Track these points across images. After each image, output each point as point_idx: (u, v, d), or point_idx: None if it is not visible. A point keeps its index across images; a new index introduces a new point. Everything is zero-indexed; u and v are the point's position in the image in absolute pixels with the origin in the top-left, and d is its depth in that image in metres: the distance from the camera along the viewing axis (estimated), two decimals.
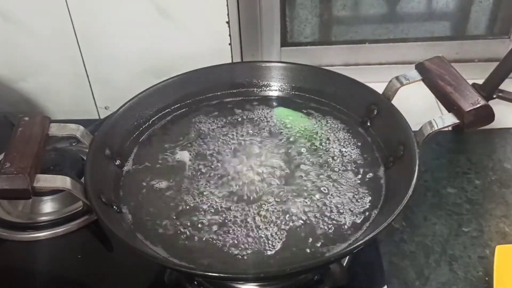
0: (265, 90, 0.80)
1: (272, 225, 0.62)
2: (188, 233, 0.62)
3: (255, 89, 0.80)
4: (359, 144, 0.72)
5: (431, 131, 0.63)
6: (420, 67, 0.69)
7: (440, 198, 0.78)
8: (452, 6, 1.02)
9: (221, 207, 0.64)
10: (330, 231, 0.61)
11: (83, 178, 0.62)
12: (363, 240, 0.56)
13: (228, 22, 0.85)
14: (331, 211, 0.63)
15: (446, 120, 0.63)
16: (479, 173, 0.81)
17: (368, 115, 0.72)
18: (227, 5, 0.83)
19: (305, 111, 0.77)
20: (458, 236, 0.72)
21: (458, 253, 0.70)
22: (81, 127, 0.66)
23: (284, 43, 1.01)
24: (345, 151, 0.71)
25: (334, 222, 0.62)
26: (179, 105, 0.78)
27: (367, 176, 0.67)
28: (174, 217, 0.64)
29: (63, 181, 0.59)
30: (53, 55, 0.89)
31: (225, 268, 0.58)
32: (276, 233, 0.61)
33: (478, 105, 0.62)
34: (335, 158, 0.70)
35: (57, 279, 0.70)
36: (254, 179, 0.67)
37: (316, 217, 0.63)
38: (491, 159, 0.83)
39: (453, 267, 0.69)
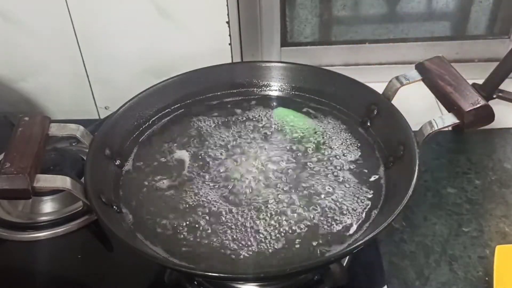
0: (265, 90, 0.80)
1: (272, 225, 0.62)
2: (188, 233, 0.62)
3: (255, 89, 0.80)
4: (359, 144, 0.72)
5: (431, 131, 0.63)
6: (420, 67, 0.69)
7: (440, 198, 0.78)
8: (452, 6, 1.02)
9: (221, 206, 0.64)
10: (330, 231, 0.61)
11: (83, 178, 0.62)
12: (363, 240, 0.56)
13: (228, 22, 0.85)
14: (331, 211, 0.63)
15: (446, 120, 0.63)
16: (479, 173, 0.81)
17: (368, 115, 0.72)
18: (227, 5, 0.83)
19: (305, 111, 0.77)
20: (458, 236, 0.72)
21: (458, 253, 0.70)
22: (81, 127, 0.66)
23: (284, 43, 1.01)
24: (345, 151, 0.71)
25: (334, 222, 0.62)
26: (179, 105, 0.78)
27: (367, 176, 0.67)
28: (174, 217, 0.64)
29: (63, 181, 0.59)
30: (53, 55, 0.89)
31: (225, 268, 0.58)
32: (276, 233, 0.61)
33: (478, 105, 0.62)
34: (335, 158, 0.70)
35: (57, 279, 0.70)
36: (254, 179, 0.67)
37: (316, 217, 0.63)
38: (491, 159, 0.83)
39: (453, 267, 0.69)
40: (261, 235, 0.61)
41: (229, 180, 0.68)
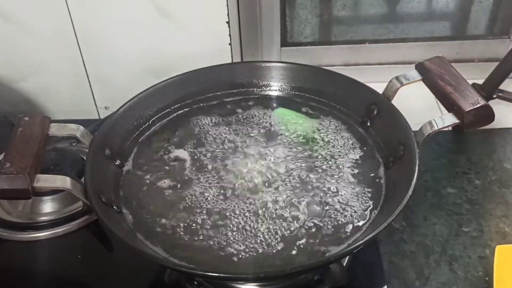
0: (265, 90, 0.80)
1: (272, 225, 0.62)
2: (188, 233, 0.62)
3: (255, 89, 0.80)
4: (359, 144, 0.72)
5: (431, 131, 0.63)
6: (420, 67, 0.69)
7: (440, 198, 0.78)
8: (452, 6, 1.02)
9: (221, 206, 0.64)
10: (330, 231, 0.61)
11: (83, 178, 0.62)
12: (363, 240, 0.56)
13: (228, 22, 0.85)
14: (331, 211, 0.63)
15: (446, 120, 0.63)
16: (479, 173, 0.81)
17: (368, 115, 0.72)
18: (227, 5, 0.83)
19: (305, 111, 0.77)
20: (458, 236, 0.72)
21: (458, 253, 0.70)
22: (81, 127, 0.66)
23: (284, 43, 1.01)
24: (345, 151, 0.71)
25: (334, 222, 0.62)
26: (179, 105, 0.78)
27: (367, 176, 0.67)
28: (174, 217, 0.64)
29: (63, 181, 0.59)
30: (53, 55, 0.89)
31: (225, 268, 0.58)
32: (276, 233, 0.61)
33: (478, 105, 0.62)
34: (335, 158, 0.70)
35: (57, 279, 0.70)
36: (254, 179, 0.67)
37: (316, 217, 0.63)
38: (491, 159, 0.83)
39: (453, 267, 0.69)
40: (261, 235, 0.61)
41: (229, 180, 0.68)
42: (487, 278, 0.67)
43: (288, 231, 0.61)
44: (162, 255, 0.59)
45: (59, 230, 0.73)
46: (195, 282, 0.65)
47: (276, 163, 0.70)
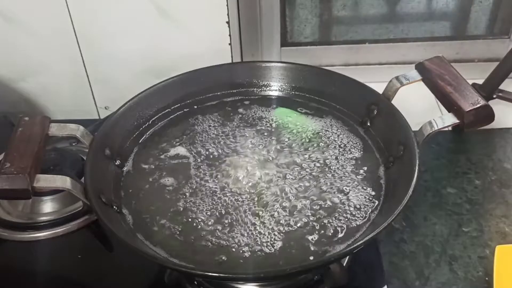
0: (265, 90, 0.80)
1: (272, 225, 0.62)
2: (188, 233, 0.62)
3: (255, 89, 0.80)
4: (359, 144, 0.72)
5: (431, 131, 0.63)
6: (420, 67, 0.69)
7: (440, 198, 0.78)
8: (452, 6, 1.02)
9: (221, 206, 0.64)
10: (330, 231, 0.61)
11: (83, 178, 0.62)
12: (363, 240, 0.56)
13: (228, 22, 0.85)
14: (331, 211, 0.63)
15: (446, 120, 0.63)
16: (479, 173, 0.81)
17: (368, 115, 0.72)
18: (227, 5, 0.83)
19: (305, 111, 0.77)
20: (458, 236, 0.72)
21: (458, 253, 0.70)
22: (81, 127, 0.66)
23: (284, 43, 1.01)
24: (345, 151, 0.71)
25: (333, 222, 0.62)
26: (179, 105, 0.78)
27: (367, 176, 0.67)
28: (174, 217, 0.64)
29: (63, 181, 0.59)
30: (53, 55, 0.89)
31: (225, 268, 0.58)
32: (276, 233, 0.61)
33: (478, 105, 0.62)
34: (335, 158, 0.70)
35: (57, 279, 0.70)
36: (254, 179, 0.67)
37: (316, 217, 0.63)
38: (491, 159, 0.83)
39: (453, 267, 0.69)
40: (261, 235, 0.61)
41: (230, 180, 0.68)
42: (487, 278, 0.67)
43: (288, 231, 0.61)
44: (162, 255, 0.59)
45: (59, 230, 0.73)
46: (195, 282, 0.65)
47: (276, 163, 0.70)
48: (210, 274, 0.56)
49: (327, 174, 0.68)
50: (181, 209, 0.65)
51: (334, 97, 0.76)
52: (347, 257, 0.68)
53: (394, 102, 0.69)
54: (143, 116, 0.74)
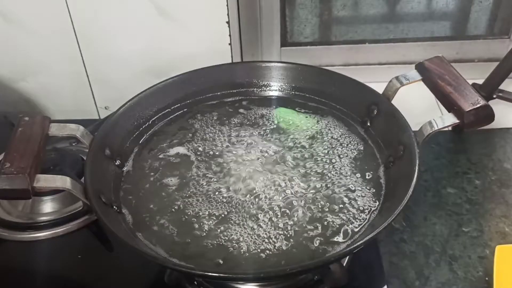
0: (265, 90, 0.80)
1: (272, 225, 0.62)
2: (188, 232, 0.62)
3: (255, 89, 0.80)
4: (359, 144, 0.72)
5: (431, 131, 0.63)
6: (420, 67, 0.69)
7: (440, 198, 0.78)
8: (452, 6, 1.02)
9: (222, 206, 0.64)
10: (330, 231, 0.61)
11: (83, 178, 0.62)
12: (363, 240, 0.55)
13: (228, 22, 0.85)
14: (331, 211, 0.63)
15: (446, 120, 0.63)
16: (479, 173, 0.81)
17: (368, 115, 0.72)
18: (227, 5, 0.83)
19: (305, 111, 0.77)
20: (458, 236, 0.72)
21: (458, 253, 0.70)
22: (81, 127, 0.66)
23: (284, 43, 1.01)
24: (345, 151, 0.71)
25: (334, 221, 0.62)
26: (179, 105, 0.78)
27: (367, 176, 0.67)
28: (174, 217, 0.64)
29: (63, 181, 0.59)
30: (53, 55, 0.89)
31: (225, 268, 0.58)
32: (276, 233, 0.61)
33: (478, 105, 0.62)
34: (335, 158, 0.70)
35: (57, 279, 0.70)
36: (255, 179, 0.67)
37: (316, 217, 0.63)
38: (491, 159, 0.83)
39: (453, 267, 0.69)
40: (261, 235, 0.61)
41: (230, 180, 0.68)
42: (487, 278, 0.67)
43: (288, 231, 0.61)
44: (162, 255, 0.59)
45: (59, 230, 0.73)
46: (195, 282, 0.65)
47: (275, 163, 0.70)
48: (210, 274, 0.56)
49: (327, 174, 0.68)
50: (181, 209, 0.65)
51: (334, 97, 0.76)
52: (347, 257, 0.68)
53: (394, 102, 0.69)
54: (143, 116, 0.74)
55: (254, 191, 0.66)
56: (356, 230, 0.61)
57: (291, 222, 0.62)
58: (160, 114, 0.76)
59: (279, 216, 0.63)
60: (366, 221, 0.62)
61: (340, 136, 0.73)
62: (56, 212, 0.75)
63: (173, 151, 0.73)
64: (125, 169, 0.70)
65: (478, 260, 0.69)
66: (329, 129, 0.74)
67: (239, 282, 0.65)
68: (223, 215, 0.63)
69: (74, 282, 0.70)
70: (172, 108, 0.77)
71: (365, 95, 0.73)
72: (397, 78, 0.69)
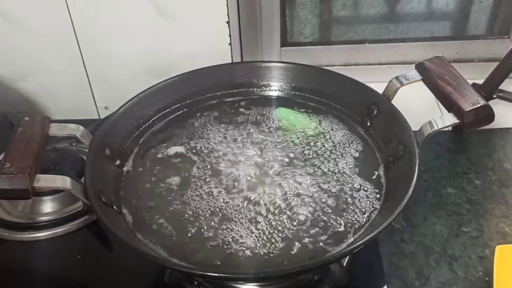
0: (265, 90, 0.80)
1: (272, 224, 0.62)
2: (188, 232, 0.62)
3: (255, 89, 0.80)
4: (359, 144, 0.72)
5: (431, 131, 0.63)
6: (420, 67, 0.69)
7: (440, 198, 0.78)
8: (452, 6, 1.02)
9: (221, 206, 0.64)
10: (330, 231, 0.61)
11: (83, 178, 0.62)
12: (363, 240, 0.56)
13: (228, 22, 0.85)
14: (331, 211, 0.63)
15: (446, 120, 0.63)
16: (479, 173, 0.81)
17: (368, 115, 0.72)
18: (227, 5, 0.83)
19: (305, 111, 0.77)
20: (458, 236, 0.72)
21: (458, 253, 0.70)
22: (81, 127, 0.66)
23: (284, 43, 1.01)
24: (345, 151, 0.71)
25: (333, 222, 0.62)
26: (179, 105, 0.78)
27: (367, 176, 0.67)
28: (174, 217, 0.64)
29: (63, 181, 0.59)
30: (53, 55, 0.89)
31: (225, 268, 0.58)
32: (276, 233, 0.61)
33: (478, 105, 0.62)
34: (335, 158, 0.70)
35: (57, 279, 0.70)
36: (255, 179, 0.67)
37: (316, 217, 0.63)
38: (491, 159, 0.83)
39: (453, 267, 0.69)
40: (261, 235, 0.61)
41: (230, 180, 0.68)
42: (487, 278, 0.67)
43: (288, 231, 0.61)
44: (162, 255, 0.59)
45: (59, 230, 0.73)
46: (195, 282, 0.65)
47: (276, 163, 0.70)
48: (210, 274, 0.56)
49: (327, 174, 0.68)
50: (181, 209, 0.65)
51: (334, 97, 0.76)
52: (347, 257, 0.68)
53: (394, 102, 0.69)
54: (143, 116, 0.74)
55: (254, 191, 0.66)
56: (356, 230, 0.61)
57: (291, 222, 0.62)
58: (160, 114, 0.76)
59: (279, 216, 0.63)
60: (366, 221, 0.62)
61: (340, 136, 0.73)
62: (56, 212, 0.75)
63: (173, 151, 0.73)
64: (125, 169, 0.70)
65: (478, 260, 0.69)
66: (329, 129, 0.74)
67: (239, 282, 0.65)
68: (223, 215, 0.63)
69: (74, 282, 0.70)
70: (172, 108, 0.77)
71: (365, 95, 0.73)
72: (397, 78, 0.69)
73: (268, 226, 0.62)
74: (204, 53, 0.87)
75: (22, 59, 0.90)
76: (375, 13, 1.02)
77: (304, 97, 0.79)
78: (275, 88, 0.80)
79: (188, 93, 0.78)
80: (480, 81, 0.88)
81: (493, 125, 0.65)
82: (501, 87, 0.88)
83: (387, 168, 0.67)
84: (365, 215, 0.63)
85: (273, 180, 0.67)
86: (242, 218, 0.63)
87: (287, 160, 0.70)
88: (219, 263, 0.59)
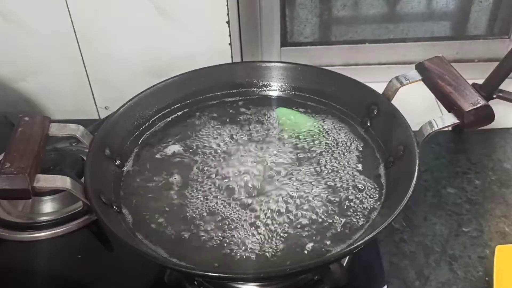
0: (265, 90, 0.80)
1: (272, 224, 0.62)
2: (188, 232, 0.62)
3: (255, 89, 0.80)
4: (359, 144, 0.72)
5: (431, 131, 0.63)
6: (420, 67, 0.69)
7: (440, 198, 0.78)
8: (452, 6, 1.02)
9: (221, 206, 0.64)
10: (330, 231, 0.61)
11: (83, 178, 0.62)
12: (363, 240, 0.56)
13: (228, 22, 0.85)
14: (331, 211, 0.63)
15: (446, 120, 0.63)
16: (479, 173, 0.81)
17: (368, 115, 0.72)
18: (227, 5, 0.83)
19: (305, 111, 0.77)
20: (458, 236, 0.72)
21: (458, 253, 0.70)
22: (81, 127, 0.66)
23: (284, 43, 1.01)
24: (344, 151, 0.71)
25: (333, 222, 0.62)
26: (179, 105, 0.78)
27: (367, 176, 0.67)
28: (174, 217, 0.64)
29: (63, 181, 0.59)
30: (53, 55, 0.89)
31: (225, 268, 0.58)
32: (276, 233, 0.61)
33: (478, 105, 0.62)
34: (335, 158, 0.70)
35: (57, 279, 0.70)
36: (255, 179, 0.67)
37: (316, 217, 0.63)
38: (491, 159, 0.83)
39: (453, 267, 0.69)
40: (261, 235, 0.61)
41: (230, 180, 0.67)
42: (487, 278, 0.67)
43: (288, 231, 0.61)
44: (162, 255, 0.59)
45: (59, 230, 0.73)
46: (195, 282, 0.65)
47: (276, 163, 0.70)
48: (210, 274, 0.56)
49: (327, 174, 0.68)
50: (181, 209, 0.65)
51: (334, 97, 0.76)
52: (347, 257, 0.68)
53: (394, 102, 0.69)
54: (143, 116, 0.74)
55: (255, 191, 0.66)
56: (356, 230, 0.61)
57: (292, 222, 0.62)
58: (160, 114, 0.76)
59: (279, 216, 0.63)
60: (366, 221, 0.62)
61: (340, 136, 0.73)
62: (56, 212, 0.75)
63: (173, 151, 0.72)
64: (125, 169, 0.70)
65: (478, 260, 0.69)
66: (328, 129, 0.74)
67: (239, 282, 0.65)
68: (223, 215, 0.63)
69: (74, 282, 0.70)
70: (172, 108, 0.77)
71: (365, 95, 0.73)
72: (397, 78, 0.69)
73: (268, 226, 0.62)
74: (204, 53, 0.87)
75: (22, 59, 0.90)
76: (375, 13, 1.02)
77: (304, 97, 0.79)
78: (275, 88, 0.80)
79: (188, 93, 0.78)
80: (480, 81, 0.88)
81: (493, 125, 0.65)
82: (501, 87, 0.88)
83: (387, 168, 0.67)
84: (365, 215, 0.63)
85: (273, 180, 0.67)
86: (242, 218, 0.63)
87: (287, 160, 0.70)
88: (219, 263, 0.59)
